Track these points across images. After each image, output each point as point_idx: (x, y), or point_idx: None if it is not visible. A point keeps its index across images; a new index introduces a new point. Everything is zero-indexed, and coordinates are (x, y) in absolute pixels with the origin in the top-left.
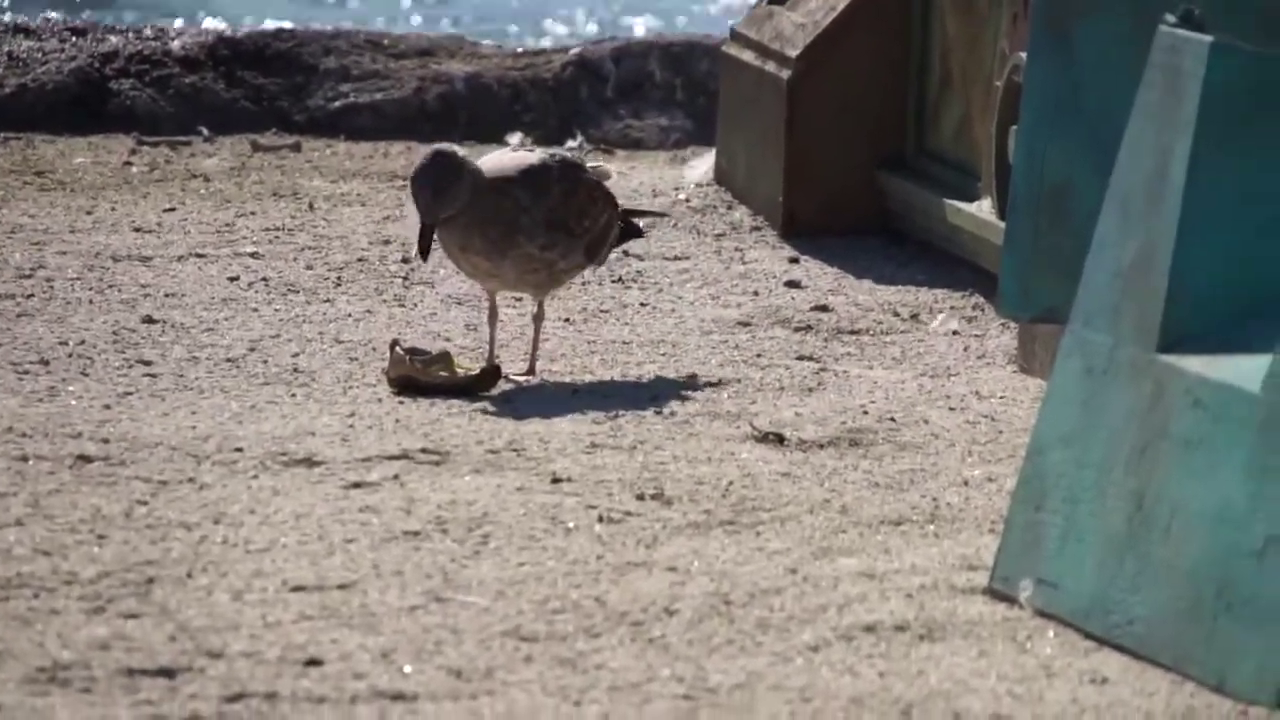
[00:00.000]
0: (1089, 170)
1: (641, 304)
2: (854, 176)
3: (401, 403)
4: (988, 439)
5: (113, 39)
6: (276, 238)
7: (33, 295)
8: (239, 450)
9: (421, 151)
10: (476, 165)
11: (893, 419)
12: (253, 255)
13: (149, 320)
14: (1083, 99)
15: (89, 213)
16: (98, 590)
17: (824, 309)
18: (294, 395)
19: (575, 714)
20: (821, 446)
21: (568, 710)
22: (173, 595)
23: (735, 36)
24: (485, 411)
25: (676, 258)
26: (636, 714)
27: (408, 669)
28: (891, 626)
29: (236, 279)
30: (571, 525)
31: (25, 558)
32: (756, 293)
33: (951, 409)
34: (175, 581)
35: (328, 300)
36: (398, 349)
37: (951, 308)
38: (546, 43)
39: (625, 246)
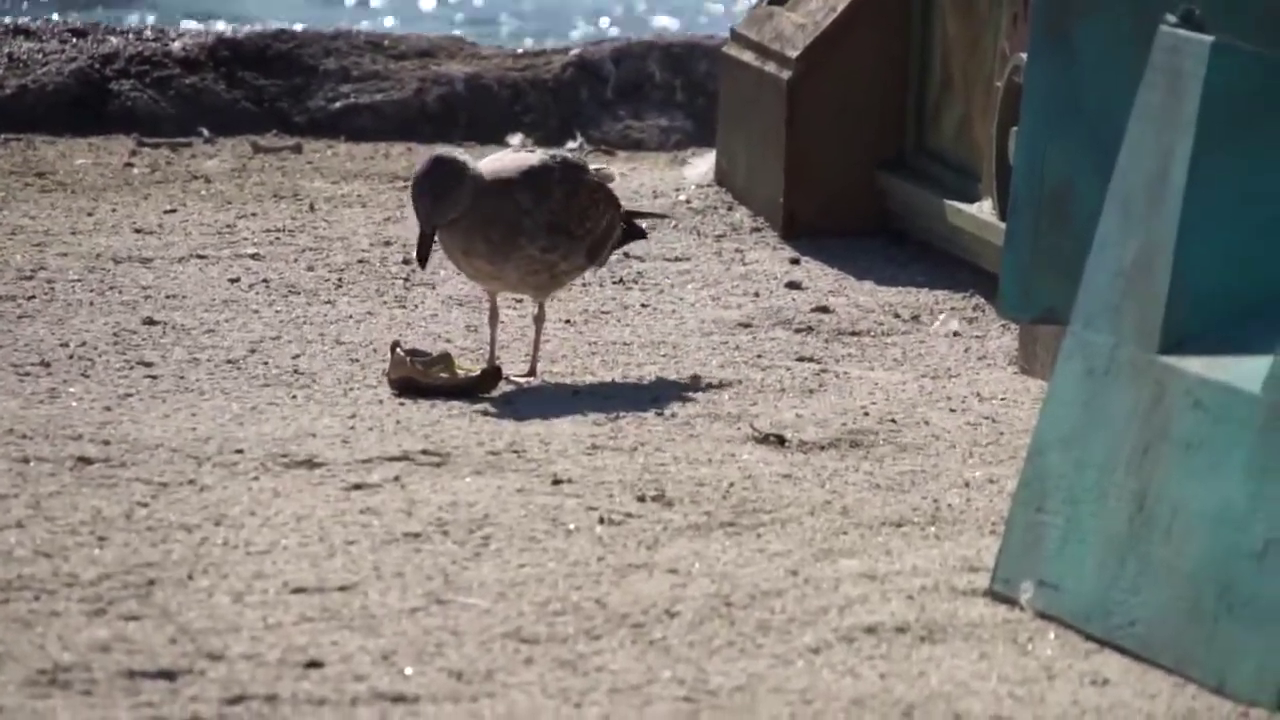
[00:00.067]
0: (1089, 170)
1: (642, 305)
2: (854, 177)
3: (402, 404)
4: (989, 440)
5: (113, 40)
6: (277, 239)
7: (34, 297)
8: (240, 452)
9: (422, 154)
10: (477, 169)
11: (894, 420)
12: (253, 257)
13: (150, 322)
14: (1083, 99)
15: (90, 214)
16: (98, 592)
17: (825, 310)
18: (295, 397)
19: (576, 716)
20: (822, 448)
21: (568, 712)
22: (173, 597)
23: (735, 37)
24: (486, 413)
25: (677, 259)
26: (637, 716)
27: (408, 671)
28: (892, 628)
29: (237, 280)
30: (572, 527)
31: (26, 559)
32: (757, 294)
33: (952, 410)
34: (176, 583)
35: (329, 302)
36: (398, 350)
37: (952, 309)
38: (549, 43)
39: (627, 248)
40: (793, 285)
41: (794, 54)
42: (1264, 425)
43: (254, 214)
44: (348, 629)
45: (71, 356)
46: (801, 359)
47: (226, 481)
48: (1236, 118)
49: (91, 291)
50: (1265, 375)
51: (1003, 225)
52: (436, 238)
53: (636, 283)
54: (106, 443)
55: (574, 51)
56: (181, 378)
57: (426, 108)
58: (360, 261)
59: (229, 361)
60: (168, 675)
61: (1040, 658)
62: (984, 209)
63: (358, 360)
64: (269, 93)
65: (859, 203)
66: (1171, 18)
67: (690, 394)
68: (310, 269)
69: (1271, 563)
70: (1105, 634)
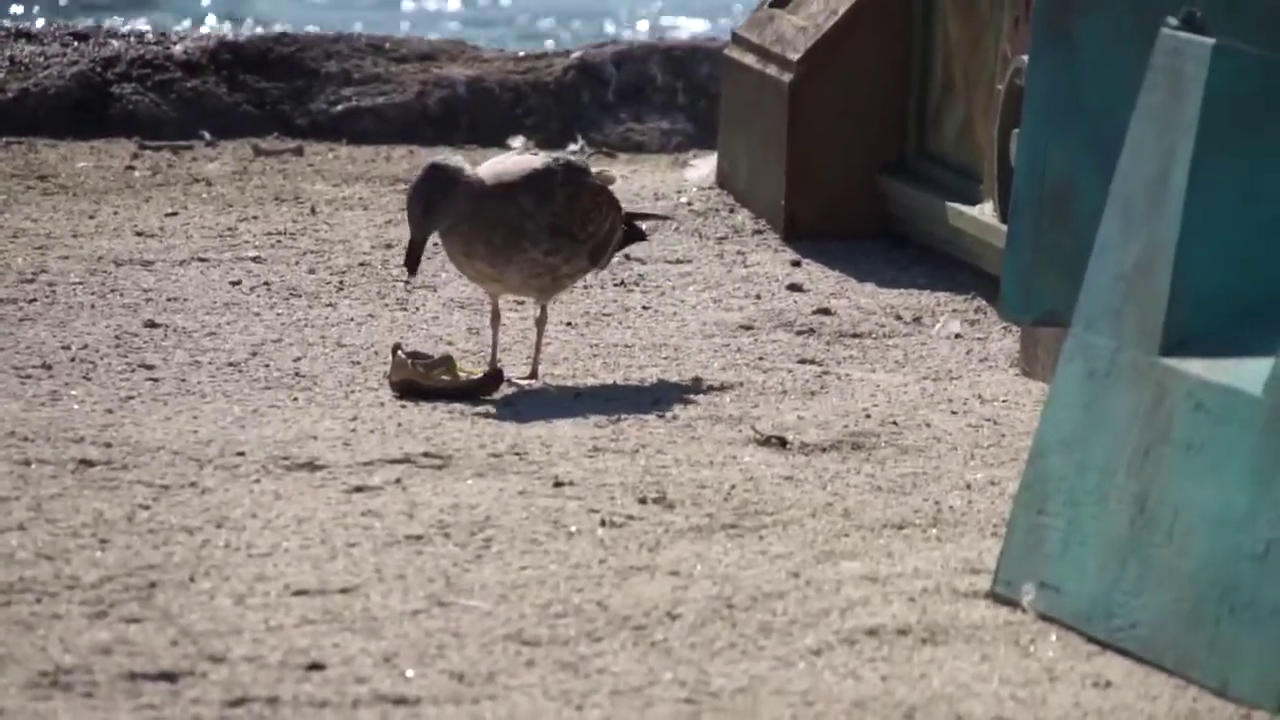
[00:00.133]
0: (1090, 169)
1: (644, 307)
2: (855, 180)
3: (404, 407)
4: (990, 442)
5: (114, 43)
6: (278, 242)
7: (35, 300)
8: (241, 454)
9: (423, 157)
10: (476, 174)
11: (895, 422)
12: (255, 259)
13: (151, 324)
14: (1084, 97)
15: (91, 217)
16: (100, 595)
17: (826, 312)
18: (296, 399)
19: (577, 718)
20: (824, 450)
21: (570, 714)
22: (175, 599)
23: (736, 40)
24: (487, 415)
25: (678, 261)
26: (639, 718)
27: (410, 673)
28: (894, 630)
29: (238, 283)
30: (574, 529)
31: (27, 562)
32: (758, 296)
33: (954, 412)
34: (177, 586)
35: (330, 304)
36: (400, 353)
37: (953, 311)
38: (548, 44)
39: (628, 250)
40: (794, 287)
41: (795, 57)
42: (1265, 427)
43: (255, 217)
44: (349, 631)
45: (73, 359)
46: (803, 361)
47: (228, 484)
48: (1237, 120)
49: (93, 294)
50: (1266, 377)
51: (1004, 228)
52: (439, 241)
53: (638, 285)
54: (108, 445)
55: (575, 54)
56: (183, 380)
57: (428, 110)
58: (362, 264)
59: (230, 364)
60: (169, 677)
61: (1042, 660)
62: (985, 211)
63: (359, 363)
64: (270, 96)
65: (860, 205)
66: (1173, 20)
67: (692, 396)
68: (312, 272)
69: (1273, 564)
70: (1107, 636)
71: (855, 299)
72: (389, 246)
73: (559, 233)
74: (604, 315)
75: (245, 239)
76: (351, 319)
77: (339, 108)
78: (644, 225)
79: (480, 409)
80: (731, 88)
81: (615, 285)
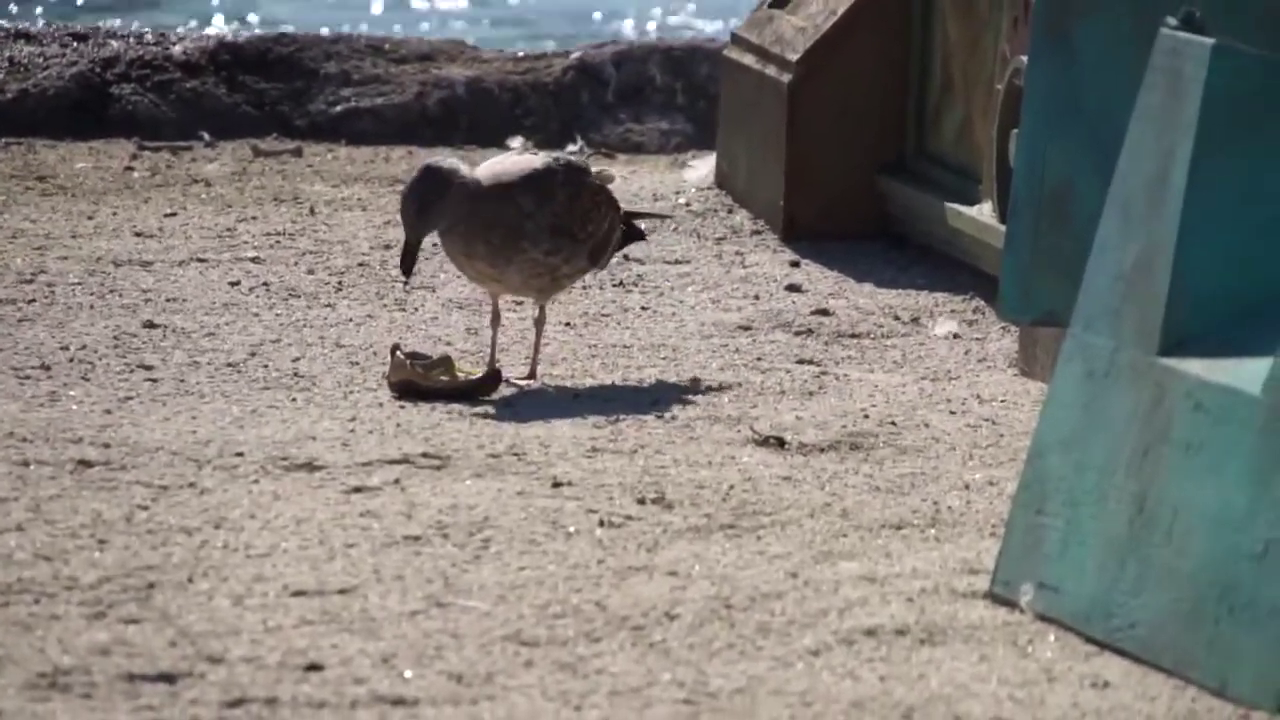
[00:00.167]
0: (1089, 170)
1: (642, 308)
2: (854, 180)
3: (402, 407)
4: (989, 442)
5: (114, 44)
6: (277, 242)
7: (34, 300)
8: (240, 455)
9: (422, 158)
10: (473, 175)
11: (893, 423)
12: (254, 260)
13: (150, 325)
14: (1083, 99)
15: (90, 218)
16: (98, 595)
17: (824, 313)
18: (295, 400)
19: (576, 718)
20: (822, 450)
21: (568, 715)
22: (173, 600)
23: (736, 40)
24: (486, 416)
25: (677, 261)
26: (637, 718)
27: (408, 674)
28: (892, 630)
29: (237, 284)
30: (572, 529)
31: (26, 563)
32: (757, 296)
33: (952, 412)
34: (176, 586)
35: (329, 305)
36: (399, 353)
37: (952, 311)
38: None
39: (627, 250)
40: (793, 288)
41: (794, 57)
42: (1264, 427)
43: (254, 217)
44: (348, 632)
45: (72, 360)
46: (801, 361)
47: (226, 484)
48: (1237, 120)
49: (92, 295)
50: (1265, 377)
51: (1003, 228)
52: (439, 241)
53: (637, 285)
54: (107, 446)
55: (575, 55)
56: (182, 381)
57: (427, 111)
58: (360, 265)
59: (229, 365)
60: (167, 678)
61: (1040, 660)
62: (984, 211)
63: (358, 363)
64: (269, 96)
65: (859, 206)
66: (1172, 20)
67: (690, 396)
68: (310, 272)
69: (1272, 564)
70: (1105, 636)
71: (854, 299)
72: (388, 247)
73: (559, 233)
74: (602, 316)
75: (244, 239)
76: (350, 319)
77: (338, 108)
78: (643, 224)
79: (479, 409)
80: (731, 88)
81: (614, 286)
